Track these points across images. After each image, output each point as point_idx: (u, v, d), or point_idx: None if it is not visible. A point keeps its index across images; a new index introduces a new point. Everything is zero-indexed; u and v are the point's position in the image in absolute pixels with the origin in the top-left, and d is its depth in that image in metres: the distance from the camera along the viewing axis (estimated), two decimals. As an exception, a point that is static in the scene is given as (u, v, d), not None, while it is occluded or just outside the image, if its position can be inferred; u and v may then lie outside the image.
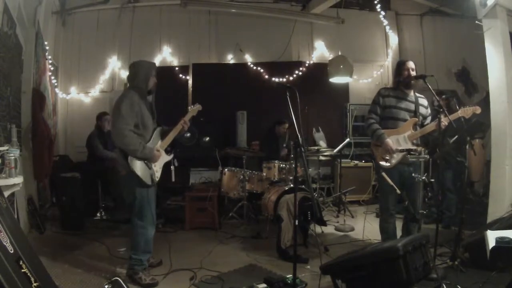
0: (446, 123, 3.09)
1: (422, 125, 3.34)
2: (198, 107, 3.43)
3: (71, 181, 4.68)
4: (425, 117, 3.40)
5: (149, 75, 3.18)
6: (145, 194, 3.09)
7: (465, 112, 3.21)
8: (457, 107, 3.33)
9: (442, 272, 3.04)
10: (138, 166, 3.01)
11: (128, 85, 3.25)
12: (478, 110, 3.22)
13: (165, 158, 3.28)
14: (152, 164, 3.12)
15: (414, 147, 3.23)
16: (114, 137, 3.01)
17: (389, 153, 3.23)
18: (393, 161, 3.24)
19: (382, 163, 3.29)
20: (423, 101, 3.44)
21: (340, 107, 7.02)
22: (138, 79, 3.14)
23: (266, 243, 4.16)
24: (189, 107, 3.44)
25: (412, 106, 3.35)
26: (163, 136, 3.28)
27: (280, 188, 4.32)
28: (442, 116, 3.07)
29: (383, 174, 3.15)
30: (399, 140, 3.28)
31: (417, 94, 3.43)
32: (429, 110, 3.45)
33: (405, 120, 3.32)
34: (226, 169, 5.06)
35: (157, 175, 3.19)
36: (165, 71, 6.56)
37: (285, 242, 3.71)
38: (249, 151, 5.28)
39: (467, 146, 4.03)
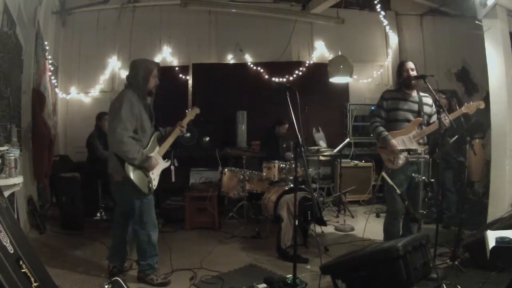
0: (450, 120, 3.07)
1: (428, 124, 3.34)
2: (196, 110, 3.30)
3: (71, 181, 4.69)
4: (430, 116, 3.40)
5: (150, 75, 2.98)
6: (144, 202, 2.98)
7: (469, 108, 3.20)
8: (457, 107, 3.33)
9: (442, 272, 3.04)
10: (135, 174, 2.86)
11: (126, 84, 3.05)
12: (482, 105, 3.20)
13: (162, 165, 3.15)
14: (149, 172, 2.98)
15: (420, 147, 3.23)
16: (111, 142, 2.85)
17: (395, 154, 3.24)
18: (400, 162, 3.25)
19: (389, 164, 3.29)
20: (428, 100, 3.43)
21: (340, 107, 7.00)
22: (138, 78, 2.95)
23: (266, 243, 4.16)
24: (187, 111, 3.30)
25: (415, 107, 3.35)
26: (160, 141, 3.14)
27: (280, 188, 4.32)
28: (444, 115, 3.07)
29: (384, 174, 3.16)
30: (405, 141, 3.28)
31: (421, 94, 3.42)
32: (434, 109, 3.43)
33: (408, 121, 3.32)
34: (226, 169, 5.06)
35: (155, 183, 3.06)
36: (165, 71, 6.51)
37: (285, 242, 3.71)
38: (249, 151, 5.27)
39: (467, 146, 4.02)
